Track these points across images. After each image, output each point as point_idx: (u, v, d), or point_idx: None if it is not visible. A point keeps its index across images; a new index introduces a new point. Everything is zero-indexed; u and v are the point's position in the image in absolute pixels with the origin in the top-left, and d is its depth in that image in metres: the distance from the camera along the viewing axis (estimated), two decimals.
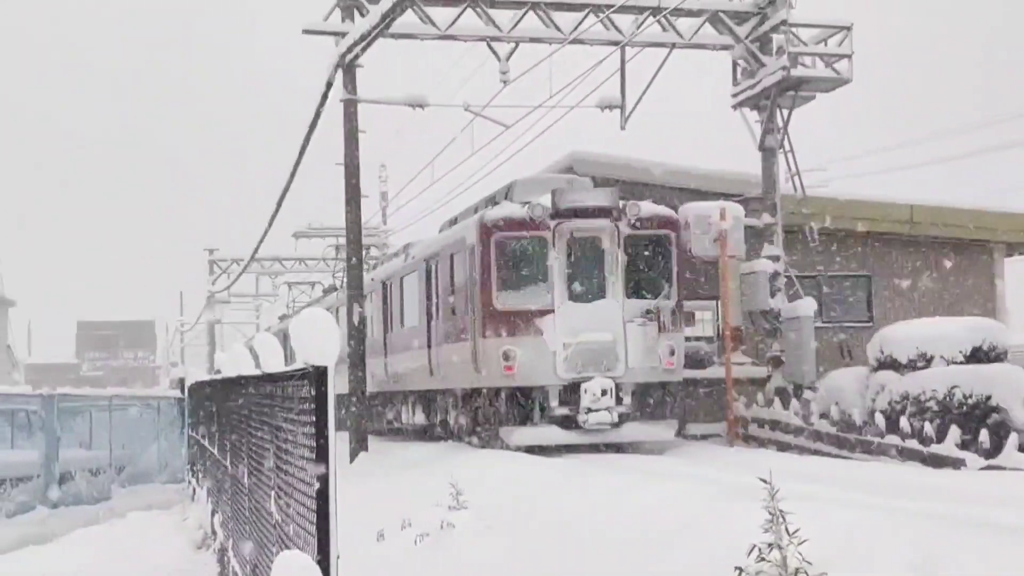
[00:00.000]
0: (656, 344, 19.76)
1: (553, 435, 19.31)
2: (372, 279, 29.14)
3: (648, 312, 19.83)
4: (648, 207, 20.47)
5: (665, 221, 20.54)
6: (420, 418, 25.49)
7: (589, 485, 13.48)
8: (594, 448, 19.30)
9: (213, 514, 15.52)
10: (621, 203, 20.01)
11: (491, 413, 20.40)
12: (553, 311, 19.55)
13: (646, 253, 20.31)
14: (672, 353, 19.95)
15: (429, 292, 23.57)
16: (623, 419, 19.44)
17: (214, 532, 14.97)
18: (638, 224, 20.04)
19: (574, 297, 19.73)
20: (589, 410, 19.01)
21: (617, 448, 19.67)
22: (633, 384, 19.76)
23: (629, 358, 19.53)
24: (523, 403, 19.96)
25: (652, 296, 20.12)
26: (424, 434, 25.72)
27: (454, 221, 24.61)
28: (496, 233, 19.83)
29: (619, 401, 19.33)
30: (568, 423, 19.35)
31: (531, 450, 18.66)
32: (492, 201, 22.24)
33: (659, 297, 20.16)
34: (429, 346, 23.21)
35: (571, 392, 19.30)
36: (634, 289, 20.03)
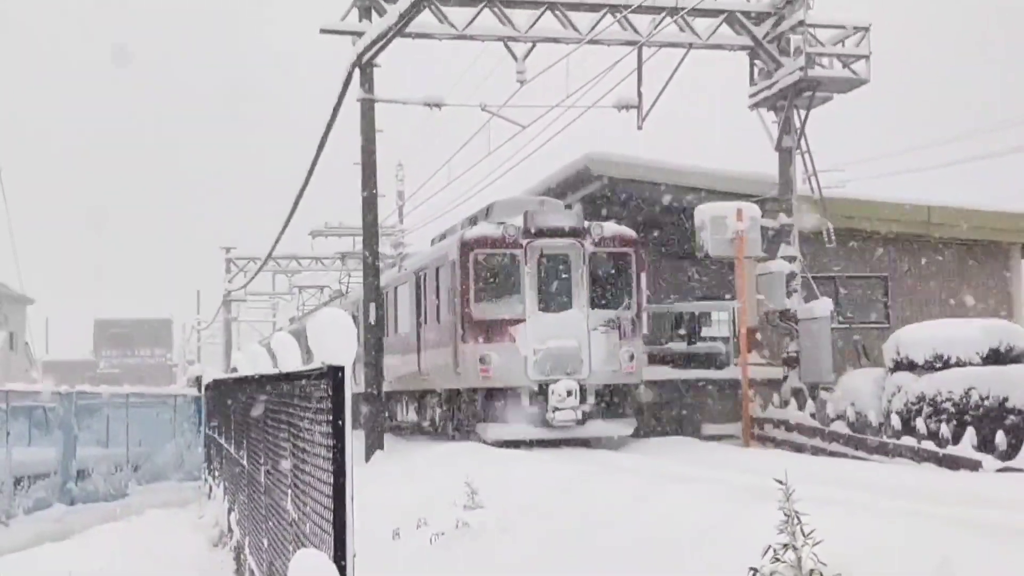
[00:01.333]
0: (617, 350, 21.85)
1: (524, 431, 21.40)
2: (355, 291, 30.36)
3: (610, 321, 21.93)
4: (610, 227, 22.64)
5: (626, 240, 22.65)
6: (413, 416, 27.98)
7: (607, 488, 13.48)
8: (562, 443, 21.22)
9: (229, 512, 15.57)
10: (586, 224, 22.26)
11: (470, 411, 22.77)
12: (525, 320, 21.75)
13: (608, 268, 22.41)
14: (631, 358, 22.05)
15: (419, 301, 25.69)
16: (587, 417, 21.50)
17: (230, 530, 15.02)
18: (601, 242, 22.24)
19: (543, 307, 21.92)
20: (556, 409, 21.16)
21: (584, 443, 21.51)
22: (596, 386, 21.80)
23: (592, 362, 21.62)
24: (497, 402, 21.94)
25: (614, 307, 22.19)
26: (419, 431, 27.83)
27: (442, 236, 27.01)
28: (475, 250, 22.09)
29: (583, 401, 21.40)
30: (538, 420, 21.42)
31: (508, 444, 20.56)
32: (473, 220, 24.60)
33: (620, 308, 22.22)
34: (419, 351, 25.34)
35: (540, 392, 21.44)
36: (597, 300, 22.12)
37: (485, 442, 21.12)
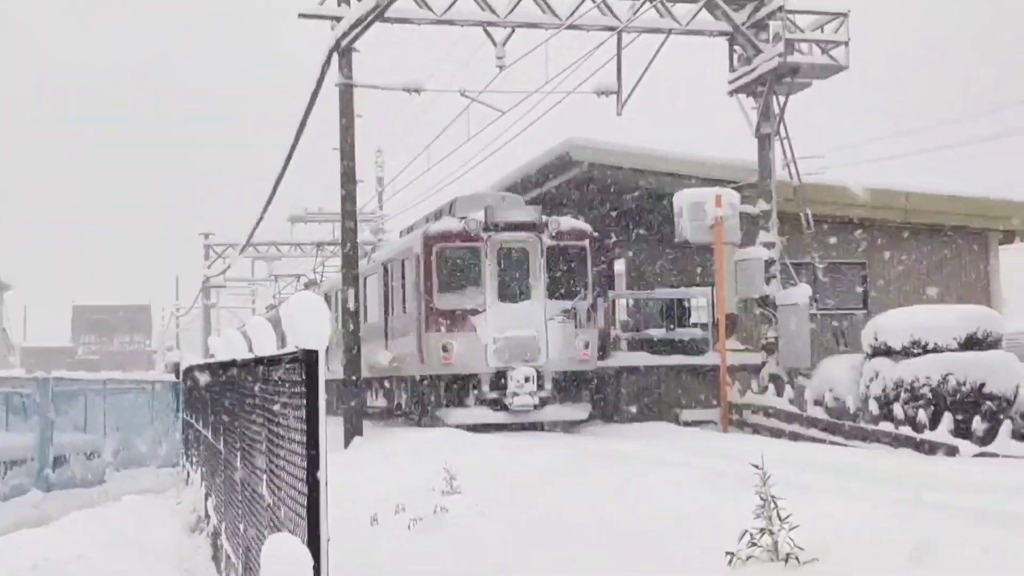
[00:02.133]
0: (573, 339, 22.89)
1: (484, 415, 22.41)
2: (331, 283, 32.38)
3: (566, 311, 22.94)
4: (567, 222, 23.65)
5: (581, 234, 23.67)
6: (382, 402, 28.60)
7: (586, 473, 13.49)
8: (519, 427, 22.22)
9: (207, 498, 15.52)
10: (543, 218, 23.24)
11: (433, 396, 23.71)
12: (485, 310, 22.78)
13: (565, 261, 23.38)
14: (587, 346, 23.10)
15: (386, 292, 26.58)
16: (544, 402, 22.59)
17: (208, 516, 14.98)
18: (558, 236, 23.23)
19: (503, 298, 22.94)
20: (515, 394, 22.21)
21: (539, 427, 22.51)
22: (553, 372, 22.84)
23: (550, 350, 22.65)
24: (459, 388, 23.12)
25: (570, 298, 23.18)
26: (388, 415, 28.72)
27: (410, 229, 28.07)
28: (437, 243, 23.12)
29: (540, 387, 22.47)
30: (497, 405, 22.49)
31: (471, 428, 21.17)
32: (437, 215, 25.62)
33: (576, 299, 23.21)
34: (386, 339, 26.16)
35: (500, 379, 22.48)
36: (554, 292, 23.13)
37: (447, 425, 21.93)
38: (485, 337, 22.52)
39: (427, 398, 24.19)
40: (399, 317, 25.17)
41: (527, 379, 22.22)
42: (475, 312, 22.73)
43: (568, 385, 23.18)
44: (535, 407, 22.38)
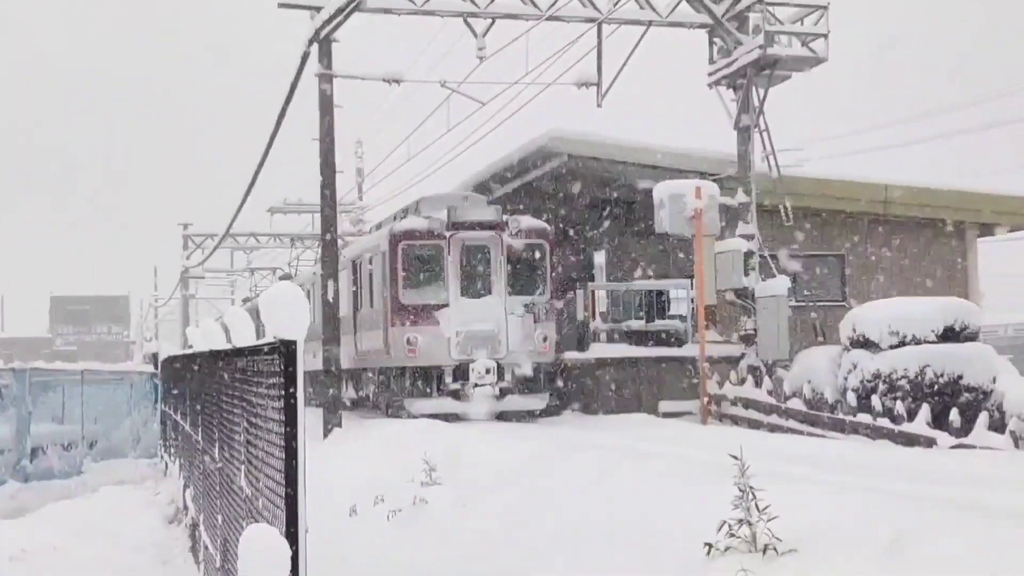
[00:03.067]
0: (532, 332, 23.86)
1: (447, 405, 23.31)
2: (313, 273, 33.67)
3: (526, 306, 23.92)
4: (527, 221, 24.63)
5: (540, 232, 24.65)
6: (351, 393, 29.57)
7: (566, 465, 13.48)
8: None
9: (185, 489, 15.49)
10: (504, 218, 24.30)
11: (399, 387, 24.88)
12: (448, 305, 23.74)
13: (524, 258, 24.33)
14: (545, 339, 24.07)
15: (355, 287, 27.39)
16: (504, 393, 23.51)
17: (186, 507, 14.94)
18: (518, 235, 24.21)
19: (465, 294, 23.88)
20: (476, 385, 23.19)
21: (499, 416, 23.31)
22: (513, 364, 23.66)
23: (510, 343, 23.59)
24: (424, 379, 24.13)
25: (529, 293, 24.17)
26: (357, 406, 29.67)
27: (378, 227, 29.41)
28: (403, 241, 24.08)
29: (501, 378, 23.42)
30: (459, 395, 23.49)
31: (433, 417, 21.82)
32: (404, 213, 26.76)
33: (535, 294, 24.21)
34: (355, 332, 26.96)
35: (462, 370, 23.43)
36: (515, 287, 24.09)
37: (412, 415, 23.01)
38: (448, 331, 23.49)
39: (394, 389, 25.29)
40: (367, 311, 26.12)
41: (488, 371, 23.20)
42: (439, 307, 23.72)
43: (533, 376, 24.10)
44: (496, 397, 23.36)
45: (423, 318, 23.62)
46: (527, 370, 23.68)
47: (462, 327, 23.47)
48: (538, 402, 24.17)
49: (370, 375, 27.67)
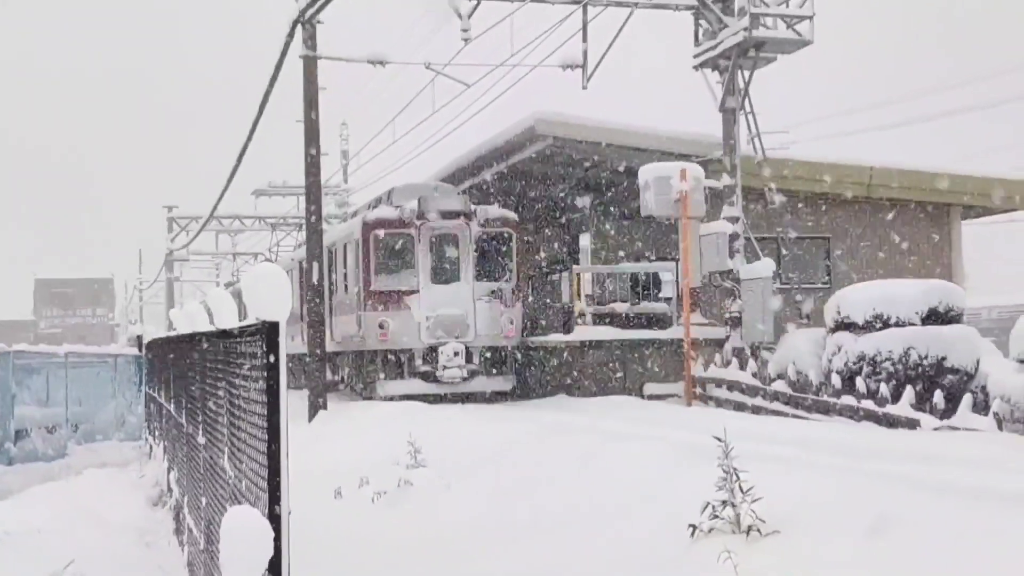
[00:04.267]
0: (499, 317, 24.95)
1: (417, 387, 24.27)
2: (292, 259, 35.16)
3: (492, 292, 25.02)
4: (494, 211, 25.71)
5: (506, 221, 25.68)
6: (328, 375, 29.74)
7: (552, 446, 13.51)
8: (450, 398, 24.00)
9: (169, 471, 15.46)
10: (473, 207, 25.32)
11: (371, 370, 25.65)
12: (418, 291, 24.70)
13: (492, 246, 25.40)
14: (511, 323, 25.14)
15: (330, 274, 28.24)
16: (472, 375, 24.61)
17: (170, 489, 14.93)
18: (486, 224, 25.26)
19: (435, 280, 24.89)
20: (445, 367, 24.25)
21: (466, 397, 24.12)
22: (480, 348, 24.84)
23: (477, 327, 24.70)
24: (395, 362, 24.99)
25: (496, 280, 25.24)
26: (332, 388, 30.01)
27: (354, 214, 30.35)
28: (375, 229, 24.98)
29: (469, 361, 24.48)
30: (429, 377, 24.44)
31: (404, 398, 23.26)
32: (376, 203, 27.80)
33: (502, 280, 25.30)
34: (331, 317, 27.70)
35: (431, 353, 24.44)
36: (482, 274, 25.14)
37: (384, 397, 24.22)
38: (418, 315, 24.45)
39: (366, 372, 26.10)
40: (341, 297, 26.99)
41: (456, 353, 24.21)
42: (409, 293, 24.66)
43: (493, 359, 25.28)
44: (463, 379, 24.40)
45: (394, 303, 24.58)
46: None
47: (431, 312, 24.45)
48: (504, 384, 25.21)
49: (345, 358, 28.53)
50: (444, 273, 24.99)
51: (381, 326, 24.50)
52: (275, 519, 4.98)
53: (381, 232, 24.98)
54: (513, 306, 25.32)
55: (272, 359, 5.11)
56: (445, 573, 10.44)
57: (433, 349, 24.38)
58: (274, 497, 5.02)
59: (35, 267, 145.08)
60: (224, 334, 6.98)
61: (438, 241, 25.06)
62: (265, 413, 5.20)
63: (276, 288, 5.14)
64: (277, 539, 4.95)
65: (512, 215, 26.15)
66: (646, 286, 28.91)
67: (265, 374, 5.18)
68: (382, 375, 25.03)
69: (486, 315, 24.81)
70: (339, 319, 27.19)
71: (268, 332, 5.15)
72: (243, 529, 4.87)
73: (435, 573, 10.48)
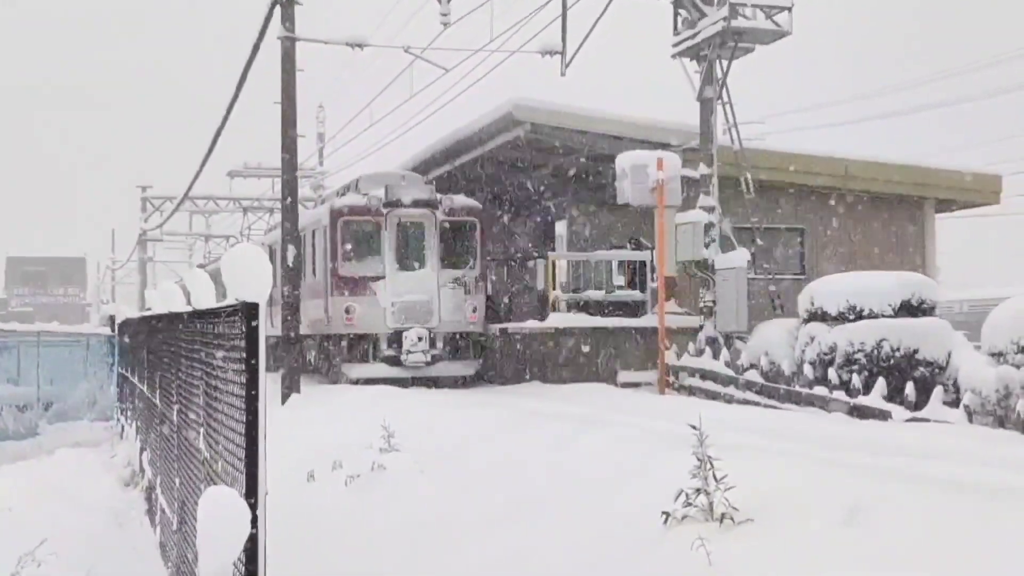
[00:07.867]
0: (463, 303, 25.79)
1: (382, 370, 24.93)
2: (262, 243, 35.93)
3: (456, 279, 25.83)
4: (459, 200, 26.56)
5: (471, 210, 26.54)
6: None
7: (526, 433, 13.51)
8: (414, 381, 24.48)
9: (142, 452, 15.43)
10: (438, 196, 26.12)
11: (337, 353, 26.39)
12: (384, 277, 25.44)
13: (456, 235, 26.19)
14: (475, 310, 26.01)
15: (301, 259, 28.24)
16: (435, 359, 25.34)
17: (142, 470, 14.89)
18: (451, 212, 26.06)
19: (400, 267, 25.59)
20: (409, 352, 24.98)
21: (432, 382, 24.81)
22: (444, 333, 25.70)
23: (441, 314, 25.57)
24: (361, 346, 25.68)
25: (460, 267, 26.05)
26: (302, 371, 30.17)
27: (323, 201, 31.27)
28: (342, 216, 25.69)
29: (432, 346, 25.30)
30: (394, 361, 25.13)
31: (369, 381, 23.74)
32: (344, 190, 28.72)
33: (465, 268, 26.09)
34: (300, 301, 27.72)
35: (396, 338, 25.21)
36: (446, 262, 25.92)
37: (349, 380, 24.91)
38: (384, 301, 25.22)
39: (333, 355, 26.82)
40: (310, 282, 27.39)
41: (420, 338, 24.98)
42: (375, 279, 25.38)
43: (456, 344, 26.10)
44: (427, 363, 25.12)
45: (361, 289, 25.31)
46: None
47: (397, 298, 25.21)
48: (467, 368, 26.00)
49: (312, 342, 29.09)
50: (409, 260, 25.67)
51: (347, 311, 25.18)
52: (252, 499, 4.98)
53: (348, 219, 25.66)
54: (476, 293, 26.12)
55: (252, 340, 5.10)
56: (419, 557, 10.45)
57: (398, 334, 25.10)
58: (252, 477, 5.02)
59: (7, 246, 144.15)
60: (202, 314, 6.96)
61: (404, 229, 25.72)
62: (243, 394, 5.20)
63: (256, 268, 5.13)
64: (255, 519, 4.95)
65: (477, 204, 26.90)
66: (621, 274, 28.94)
67: (244, 355, 5.17)
68: (348, 359, 25.66)
69: (450, 302, 25.59)
70: (307, 303, 27.57)
71: (248, 313, 5.14)
72: (221, 509, 4.86)
73: (409, 557, 10.49)
